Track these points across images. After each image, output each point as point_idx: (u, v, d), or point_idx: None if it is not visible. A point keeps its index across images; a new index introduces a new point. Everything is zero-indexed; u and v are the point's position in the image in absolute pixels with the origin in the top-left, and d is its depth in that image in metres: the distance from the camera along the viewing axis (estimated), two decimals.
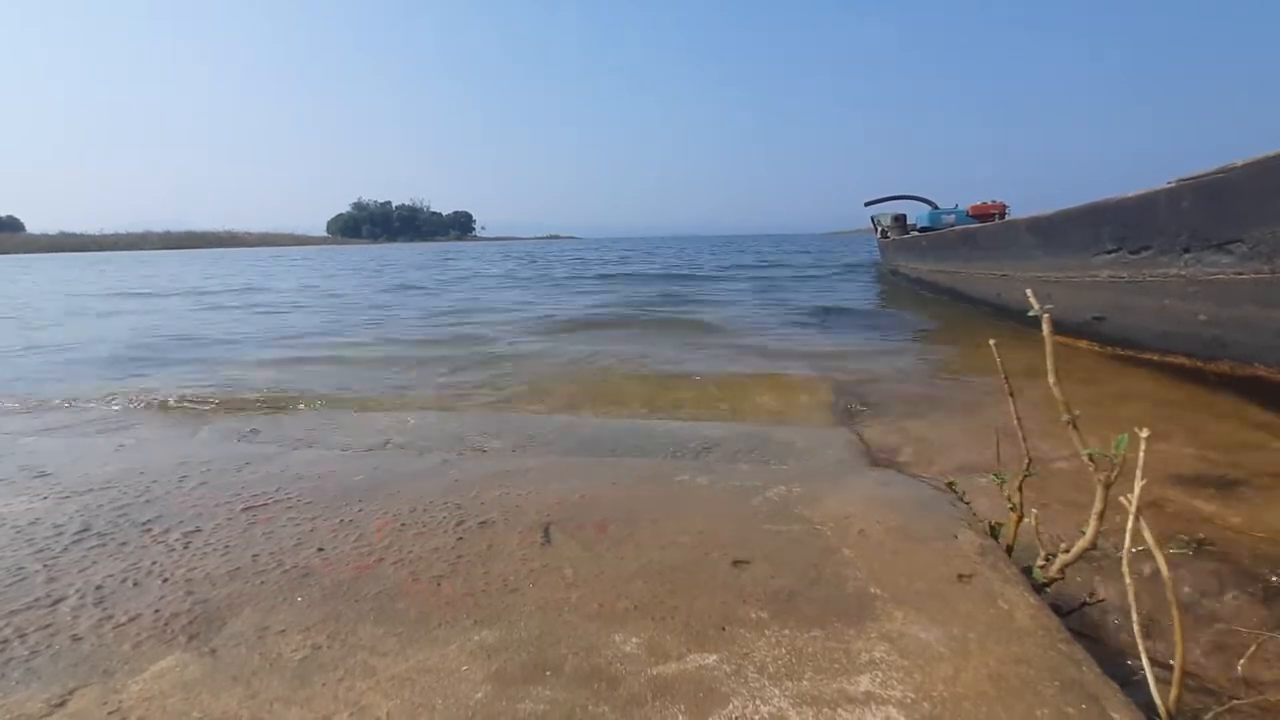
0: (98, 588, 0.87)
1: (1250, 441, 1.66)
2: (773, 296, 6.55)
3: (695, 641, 0.73)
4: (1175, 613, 0.65)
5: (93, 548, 0.99)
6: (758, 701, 0.63)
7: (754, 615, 0.78)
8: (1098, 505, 0.75)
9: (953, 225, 5.85)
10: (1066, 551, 0.82)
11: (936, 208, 6.93)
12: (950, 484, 1.14)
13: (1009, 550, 0.93)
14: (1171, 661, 0.65)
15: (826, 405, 2.18)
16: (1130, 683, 0.72)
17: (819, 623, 0.76)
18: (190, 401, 2.34)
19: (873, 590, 0.83)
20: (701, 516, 1.07)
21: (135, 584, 0.88)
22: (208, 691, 0.67)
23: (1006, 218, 5.54)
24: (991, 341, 0.92)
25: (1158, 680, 0.65)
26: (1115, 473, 0.72)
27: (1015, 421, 0.89)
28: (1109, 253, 2.49)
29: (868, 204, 8.72)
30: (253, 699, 0.65)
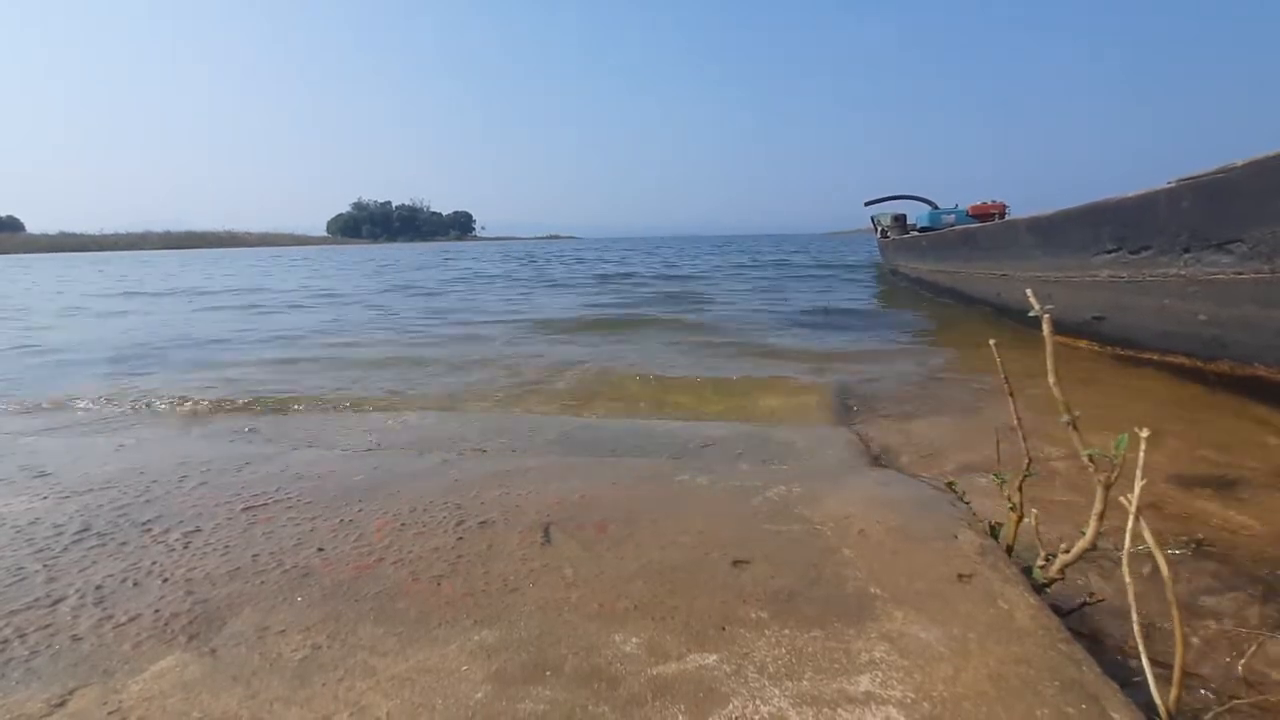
0: (98, 588, 0.87)
1: (1250, 441, 1.66)
2: (772, 296, 6.55)
3: (695, 641, 0.73)
4: (1175, 613, 0.65)
5: (93, 548, 0.99)
6: (758, 701, 0.63)
7: (754, 615, 0.78)
8: (1098, 505, 0.75)
9: (953, 225, 5.85)
10: (1066, 551, 0.82)
11: (936, 208, 6.92)
12: (950, 484, 1.14)
13: (1009, 550, 0.93)
14: (1171, 661, 0.65)
15: (826, 405, 2.18)
16: (1130, 683, 0.72)
17: (819, 623, 0.76)
18: (190, 402, 2.34)
19: (873, 590, 0.83)
20: (701, 516, 1.07)
21: (135, 584, 0.88)
22: (208, 691, 0.67)
23: (1006, 218, 5.53)
24: (991, 341, 0.92)
25: (1158, 680, 0.65)
26: (1115, 473, 0.72)
27: (1015, 421, 0.89)
28: (1109, 253, 2.49)
29: (868, 204, 8.72)
30: (253, 699, 0.65)
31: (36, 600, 0.84)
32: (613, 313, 5.38)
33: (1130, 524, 0.67)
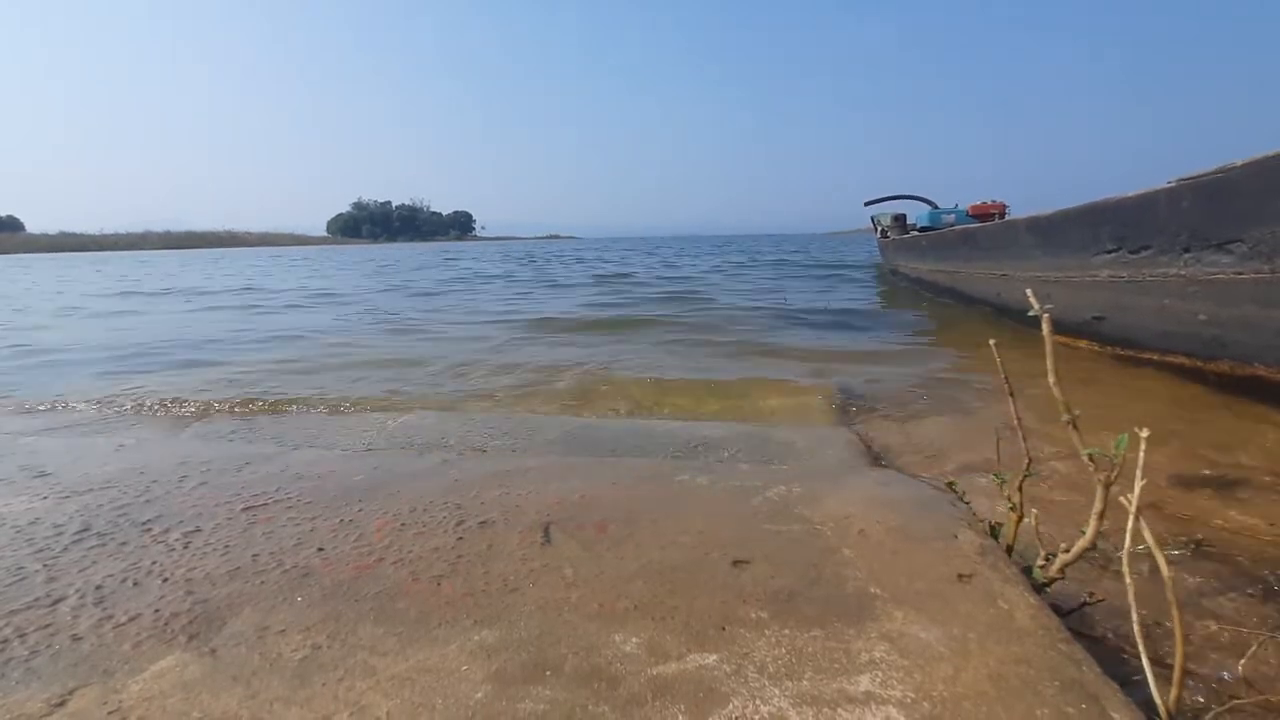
0: (98, 587, 0.87)
1: (1250, 441, 1.66)
2: (772, 296, 6.55)
3: (695, 641, 0.73)
4: (1175, 613, 0.65)
5: (93, 547, 0.99)
6: (758, 701, 0.63)
7: (754, 615, 0.78)
8: (1098, 505, 0.75)
9: (953, 225, 5.85)
10: (1066, 551, 0.82)
11: (936, 207, 6.92)
12: (950, 484, 1.14)
13: (1009, 550, 0.93)
14: (1171, 661, 0.65)
15: (826, 405, 2.18)
16: (1130, 682, 0.72)
17: (819, 623, 0.76)
18: (189, 402, 2.34)
19: (873, 590, 0.83)
20: (701, 516, 1.07)
21: (135, 584, 0.88)
22: (208, 691, 0.67)
23: (1006, 217, 5.54)
24: (991, 341, 0.92)
25: (1158, 680, 0.65)
26: (1115, 473, 0.72)
27: (1015, 421, 0.89)
28: (1109, 252, 2.49)
29: (868, 204, 8.72)
30: (253, 699, 0.65)
31: (36, 600, 0.84)
32: (612, 313, 5.38)
33: (1130, 524, 0.67)
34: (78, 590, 0.86)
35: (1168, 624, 0.74)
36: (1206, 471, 1.46)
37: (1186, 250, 2.07)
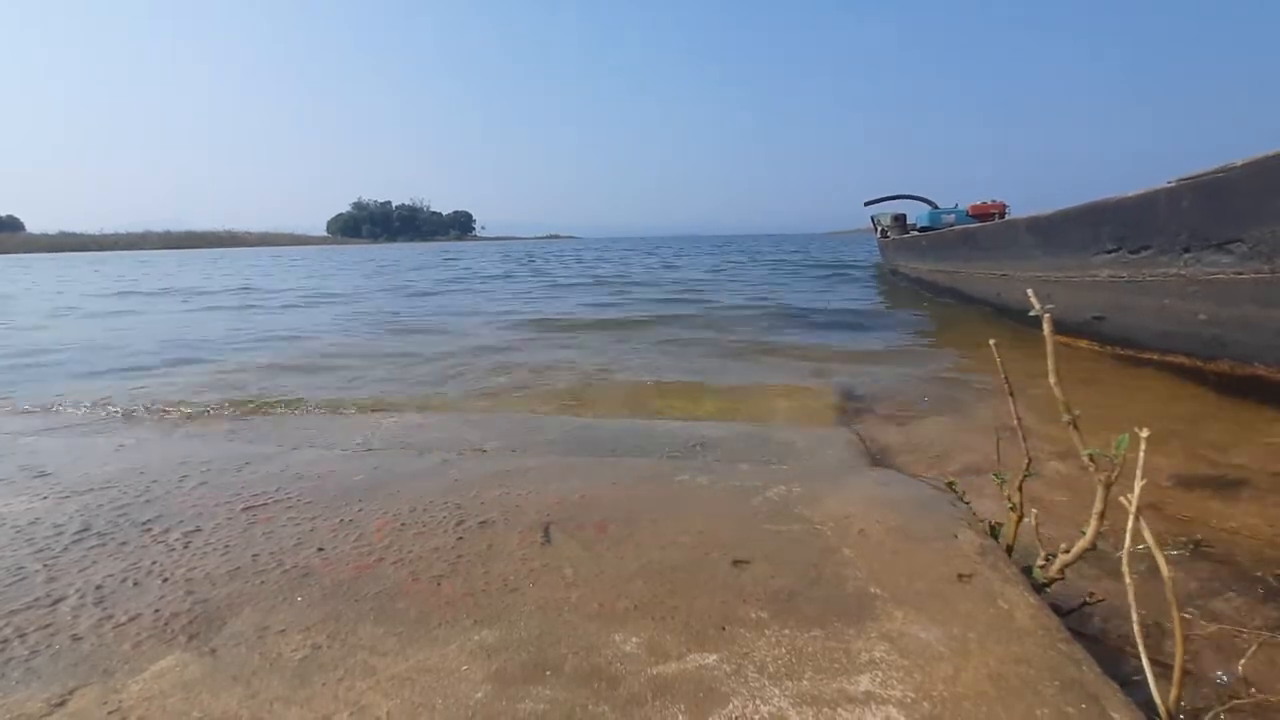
0: (98, 587, 0.87)
1: (1250, 441, 1.66)
2: (772, 296, 6.55)
3: (695, 641, 0.73)
4: (1175, 613, 0.65)
5: (93, 547, 0.99)
6: (758, 701, 0.63)
7: (754, 615, 0.78)
8: (1098, 505, 0.75)
9: (953, 225, 5.85)
10: (1066, 551, 0.82)
11: (936, 207, 6.93)
12: (950, 484, 1.14)
13: (1009, 550, 0.93)
14: (1171, 661, 0.65)
15: (827, 405, 2.18)
16: (1130, 682, 0.72)
17: (819, 622, 0.76)
18: (189, 402, 2.34)
19: (873, 590, 0.83)
20: (701, 516, 1.07)
21: (135, 584, 0.88)
22: (208, 691, 0.67)
23: (1006, 217, 5.54)
24: (992, 341, 0.92)
25: (1158, 680, 0.65)
26: (1115, 473, 0.72)
27: (1015, 421, 0.89)
28: (1109, 252, 2.49)
29: (868, 204, 8.72)
30: (253, 699, 0.65)
31: (36, 600, 0.84)
32: (611, 313, 5.38)
33: (1130, 524, 0.67)
34: (78, 590, 0.86)
35: (1168, 624, 0.74)
36: (1206, 471, 1.46)
37: (1186, 250, 2.07)
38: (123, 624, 0.79)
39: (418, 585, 0.86)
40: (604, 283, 9.04)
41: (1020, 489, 0.91)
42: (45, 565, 0.93)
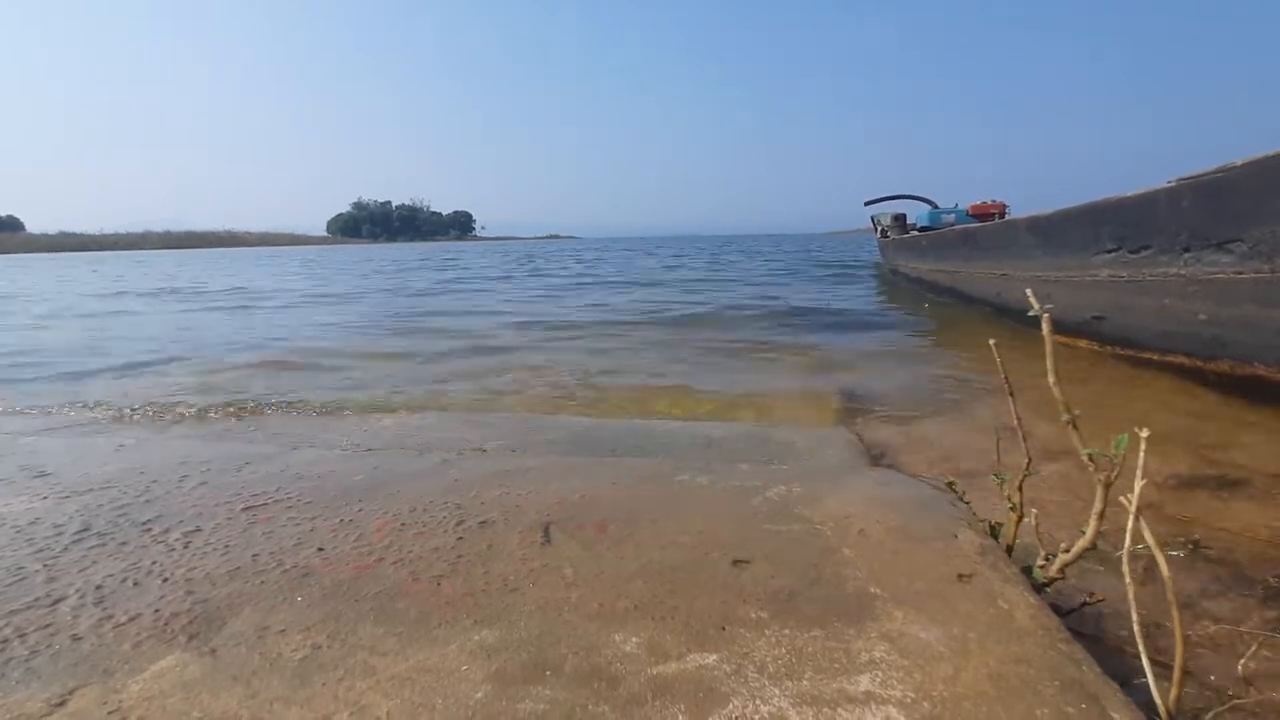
0: (98, 587, 0.87)
1: (1249, 441, 1.66)
2: (771, 296, 6.55)
3: (695, 641, 0.73)
4: (1175, 613, 0.65)
5: (93, 547, 0.99)
6: (758, 701, 0.63)
7: (754, 615, 0.78)
8: (1098, 505, 0.75)
9: (953, 225, 5.85)
10: (1066, 551, 0.82)
11: (936, 207, 6.93)
12: (950, 484, 1.14)
13: (1009, 550, 0.93)
14: (1171, 661, 0.65)
15: (826, 405, 2.18)
16: (1130, 682, 0.72)
17: (819, 622, 0.76)
18: (189, 402, 2.34)
19: (873, 590, 0.83)
20: (701, 516, 1.07)
21: (135, 584, 0.88)
22: (208, 691, 0.67)
23: (1006, 217, 5.54)
24: (991, 341, 0.92)
25: (1158, 680, 0.65)
26: (1115, 473, 0.72)
27: (1015, 421, 0.89)
28: (1109, 252, 2.49)
29: (868, 204, 8.72)
30: (253, 699, 0.65)
31: (36, 600, 0.84)
32: (611, 313, 5.38)
33: (1130, 524, 0.67)
34: (78, 590, 0.86)
35: (1168, 624, 0.74)
36: (1206, 471, 1.46)
37: (1186, 250, 2.07)
38: (123, 624, 0.79)
39: (418, 585, 0.86)
40: (604, 283, 9.04)
41: (1020, 489, 0.91)
42: (45, 565, 0.93)
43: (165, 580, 0.89)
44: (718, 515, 1.07)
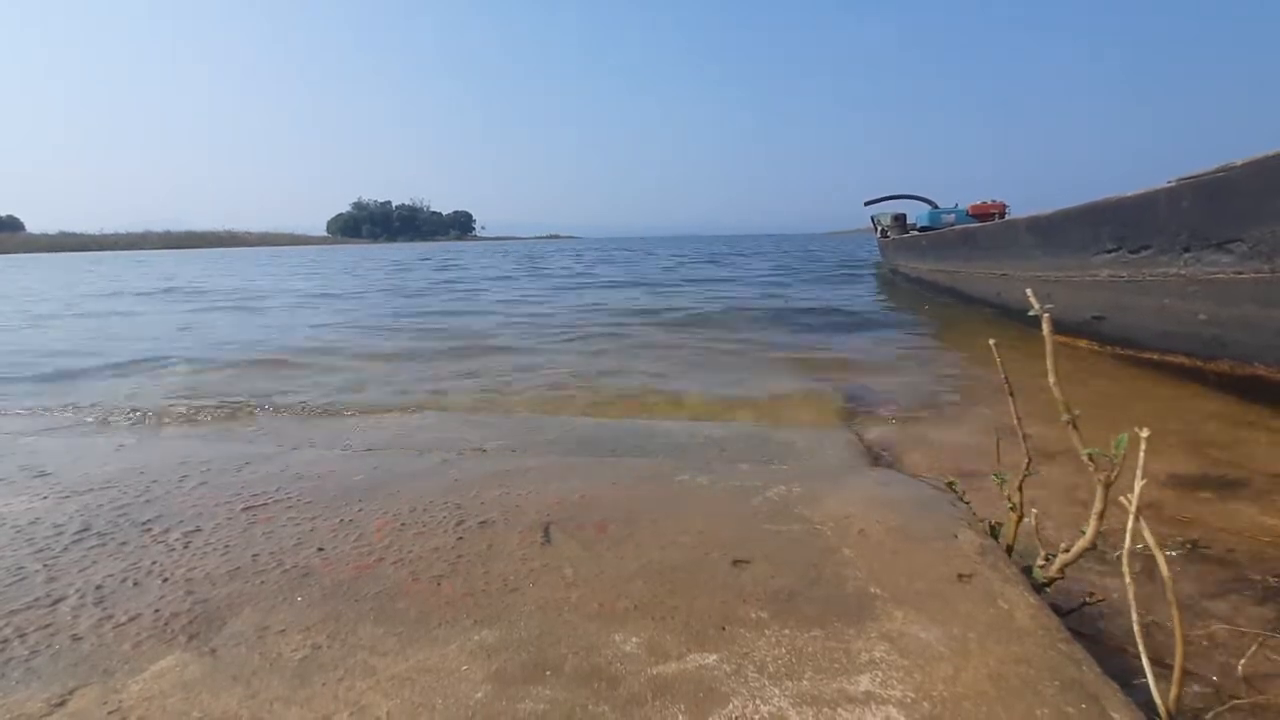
0: (98, 587, 0.87)
1: (1250, 441, 1.66)
2: (771, 296, 6.55)
3: (695, 641, 0.73)
4: (1175, 612, 0.65)
5: (93, 547, 0.99)
6: (758, 701, 0.63)
7: (754, 615, 0.78)
8: (1097, 505, 0.75)
9: (953, 225, 5.86)
10: (1066, 551, 0.82)
11: (936, 207, 6.93)
12: (950, 484, 1.14)
13: (1009, 550, 0.93)
14: (1171, 661, 0.65)
15: (826, 405, 2.18)
16: (1130, 683, 0.72)
17: (819, 622, 0.76)
18: (188, 401, 2.34)
19: (873, 590, 0.83)
20: (701, 516, 1.07)
21: (135, 584, 0.88)
22: (208, 691, 0.67)
23: (1006, 217, 5.54)
24: (991, 341, 0.92)
25: (1158, 680, 0.65)
26: (1115, 473, 0.72)
27: (1015, 421, 0.89)
28: (1109, 252, 2.49)
29: (868, 204, 8.72)
30: (253, 699, 0.65)
31: (36, 600, 0.84)
32: (612, 313, 5.38)
33: (1130, 524, 0.67)
34: (78, 590, 0.86)
35: (1168, 624, 0.74)
36: (1206, 472, 1.46)
37: (1186, 250, 2.07)
38: (123, 624, 0.79)
39: (418, 585, 0.86)
40: (604, 283, 9.04)
41: (1020, 489, 0.91)
42: (45, 565, 0.93)
43: (165, 580, 0.89)
44: (718, 515, 1.07)
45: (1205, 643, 0.85)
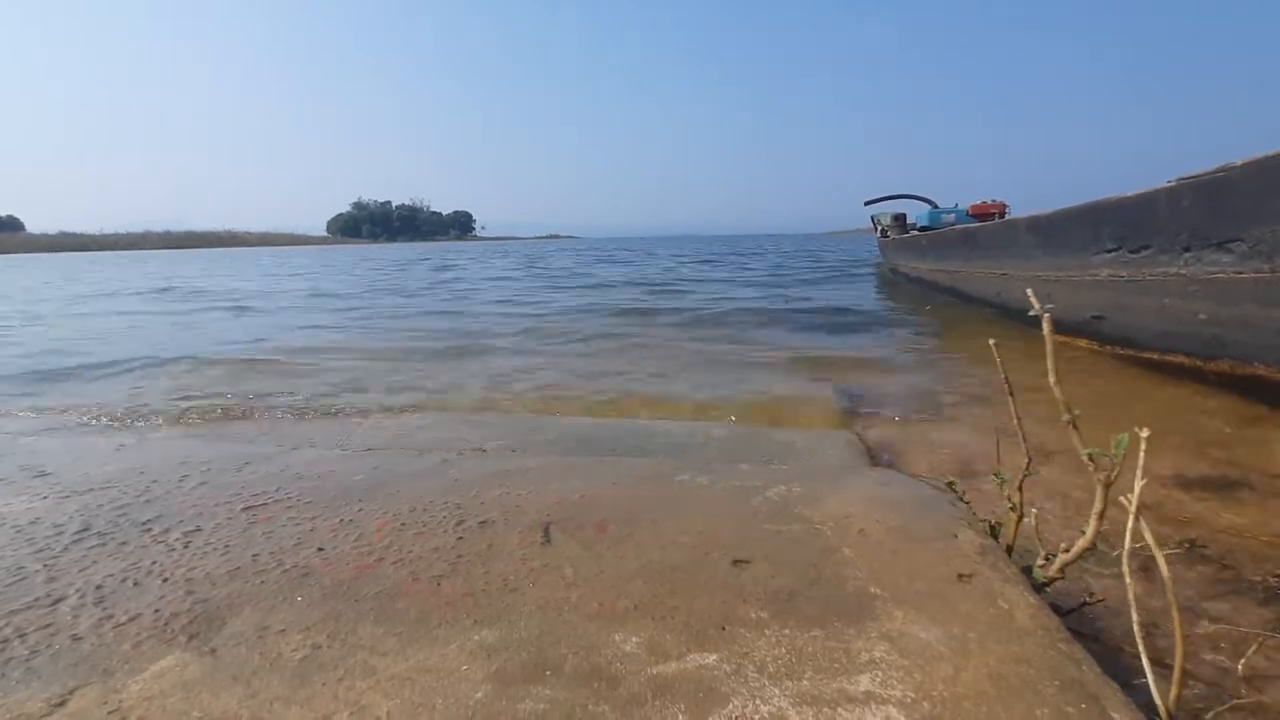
0: (98, 587, 0.87)
1: (1250, 441, 1.66)
2: (771, 296, 6.55)
3: (695, 641, 0.73)
4: (1175, 613, 0.65)
5: (93, 547, 0.99)
6: (758, 701, 0.63)
7: (754, 615, 0.78)
8: (1098, 505, 0.75)
9: (953, 224, 5.86)
10: (1066, 551, 0.82)
11: (936, 207, 6.93)
12: (950, 484, 1.14)
13: (1009, 550, 0.93)
14: (1171, 661, 0.65)
15: (826, 405, 2.18)
16: (1130, 683, 0.72)
17: (819, 622, 0.76)
18: (188, 402, 2.34)
19: (873, 590, 0.83)
20: (701, 516, 1.07)
21: (135, 584, 0.88)
22: (208, 691, 0.67)
23: (1006, 217, 5.54)
24: (991, 341, 0.92)
25: (1158, 680, 0.65)
26: (1115, 472, 0.72)
27: (1015, 421, 0.89)
28: (1109, 252, 2.49)
29: (868, 203, 8.72)
30: (253, 698, 0.65)
31: (36, 600, 0.84)
32: (612, 314, 5.37)
33: (1130, 524, 0.67)
34: (78, 590, 0.86)
35: (1167, 624, 0.74)
36: (1206, 472, 1.46)
37: (1186, 250, 2.07)
38: (123, 624, 0.79)
39: (418, 585, 0.86)
40: (605, 283, 9.04)
41: (1020, 489, 0.91)
42: (45, 565, 0.93)
43: (165, 580, 0.89)
44: (718, 515, 1.07)
45: (1205, 643, 0.85)
